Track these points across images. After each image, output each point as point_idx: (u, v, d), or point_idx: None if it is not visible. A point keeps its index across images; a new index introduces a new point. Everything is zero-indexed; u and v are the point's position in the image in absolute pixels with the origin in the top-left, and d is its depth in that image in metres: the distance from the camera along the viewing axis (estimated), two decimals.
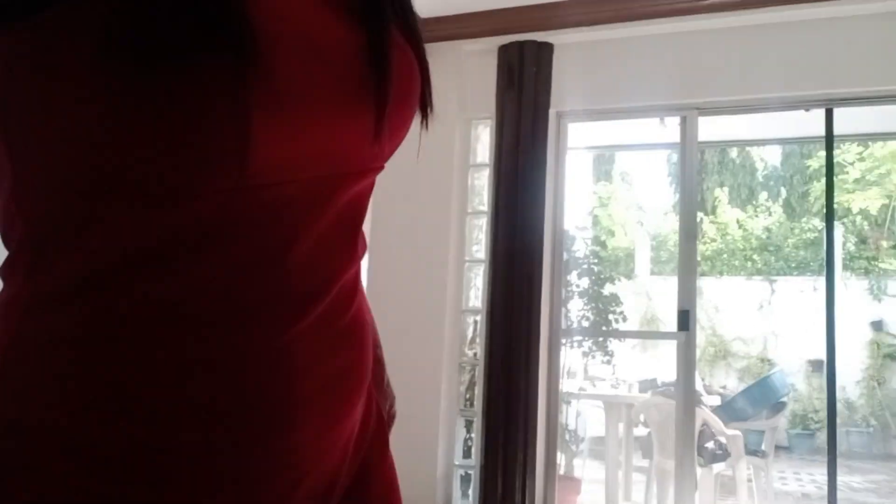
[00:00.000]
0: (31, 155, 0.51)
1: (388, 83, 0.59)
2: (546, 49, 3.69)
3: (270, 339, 0.54)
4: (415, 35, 0.68)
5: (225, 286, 0.53)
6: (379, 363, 0.83)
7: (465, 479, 3.77)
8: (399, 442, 0.92)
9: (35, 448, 0.50)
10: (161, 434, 0.51)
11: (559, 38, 3.69)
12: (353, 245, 0.63)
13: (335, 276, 0.60)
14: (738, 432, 4.80)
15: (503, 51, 3.75)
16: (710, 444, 4.90)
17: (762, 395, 5.94)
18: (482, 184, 3.89)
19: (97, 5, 0.46)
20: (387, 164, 0.68)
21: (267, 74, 0.50)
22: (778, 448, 6.33)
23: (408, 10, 0.68)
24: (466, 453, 3.80)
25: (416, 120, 0.70)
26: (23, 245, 0.53)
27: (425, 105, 0.69)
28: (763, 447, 5.29)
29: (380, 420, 0.75)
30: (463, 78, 3.84)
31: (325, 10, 0.58)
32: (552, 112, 3.70)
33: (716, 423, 4.77)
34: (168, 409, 0.51)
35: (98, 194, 0.50)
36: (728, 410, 5.70)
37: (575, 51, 3.71)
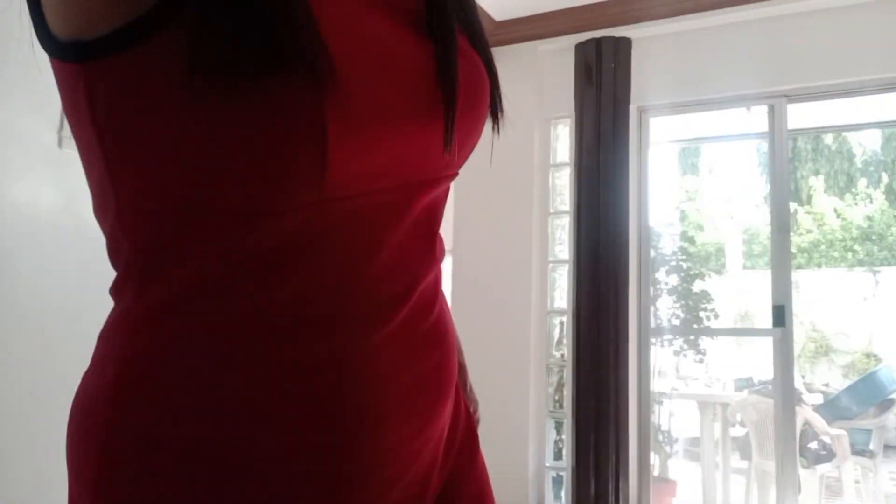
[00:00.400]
0: (131, 181, 0.54)
1: (455, 94, 0.60)
2: (624, 44, 3.63)
3: (358, 345, 0.56)
4: (482, 42, 0.68)
5: (312, 295, 0.55)
6: (462, 369, 0.84)
7: (557, 481, 3.74)
8: (489, 444, 0.93)
9: (148, 453, 0.53)
10: (261, 436, 0.54)
11: (637, 32, 3.63)
12: (431, 250, 0.65)
13: (416, 281, 0.62)
14: (843, 432, 4.58)
15: (580, 48, 3.71)
16: (813, 445, 4.70)
17: (868, 391, 5.64)
18: (563, 183, 3.86)
19: (179, 39, 0.49)
20: (468, 168, 0.70)
21: (340, 91, 0.51)
22: (887, 447, 6.00)
23: (473, 19, 0.69)
24: (557, 455, 3.77)
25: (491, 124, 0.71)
26: (130, 266, 0.57)
27: (496, 110, 0.69)
28: (871, 447, 5.02)
29: (469, 422, 0.76)
30: (541, 78, 3.82)
31: (394, 25, 0.59)
32: (633, 107, 3.64)
33: (819, 422, 4.57)
34: (266, 413, 0.54)
35: (194, 215, 0.53)
36: (831, 409, 5.45)
37: (654, 44, 3.64)
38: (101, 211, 0.59)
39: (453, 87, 0.59)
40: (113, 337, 0.58)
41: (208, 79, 0.48)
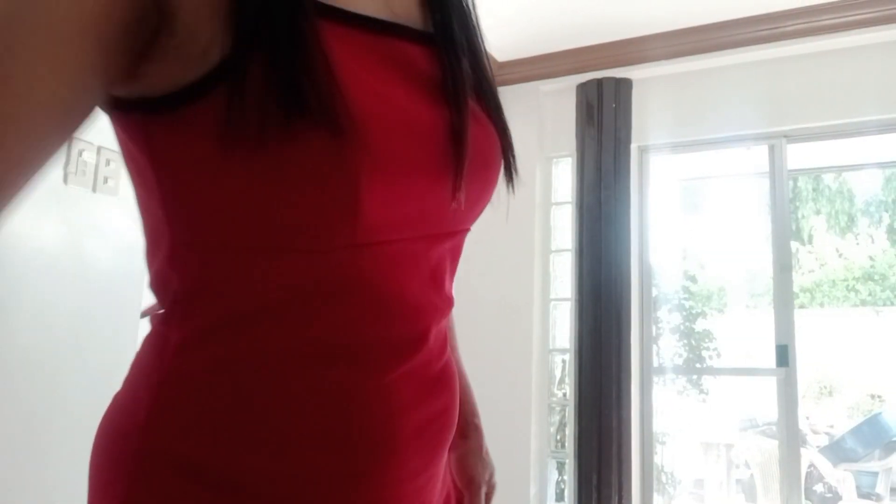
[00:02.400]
0: (185, 222, 0.59)
1: (464, 158, 0.64)
2: (625, 85, 3.68)
3: (376, 380, 0.60)
4: (497, 108, 0.73)
5: (340, 332, 0.59)
6: (478, 432, 0.87)
7: None
8: None
9: (176, 476, 0.57)
10: (286, 463, 0.57)
11: (638, 73, 3.67)
12: (443, 299, 0.69)
13: (431, 326, 0.66)
14: (848, 474, 4.53)
15: (581, 88, 3.75)
16: (818, 487, 4.64)
17: (873, 433, 5.58)
18: (565, 221, 3.87)
19: (215, 101, 0.53)
20: None
21: (369, 148, 0.55)
22: (894, 491, 5.92)
23: (486, 86, 0.74)
24: (559, 496, 3.72)
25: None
26: (177, 298, 0.61)
27: (510, 172, 0.74)
28: (877, 490, 4.96)
29: (457, 494, 0.81)
30: (542, 117, 3.86)
31: (414, 89, 0.63)
32: (634, 147, 3.66)
33: (824, 464, 4.51)
34: (291, 442, 0.58)
35: (237, 251, 0.58)
36: (836, 451, 5.39)
37: (655, 84, 3.68)
38: (152, 252, 0.63)
39: (463, 151, 0.64)
40: (149, 363, 0.61)
41: (241, 143, 0.52)
